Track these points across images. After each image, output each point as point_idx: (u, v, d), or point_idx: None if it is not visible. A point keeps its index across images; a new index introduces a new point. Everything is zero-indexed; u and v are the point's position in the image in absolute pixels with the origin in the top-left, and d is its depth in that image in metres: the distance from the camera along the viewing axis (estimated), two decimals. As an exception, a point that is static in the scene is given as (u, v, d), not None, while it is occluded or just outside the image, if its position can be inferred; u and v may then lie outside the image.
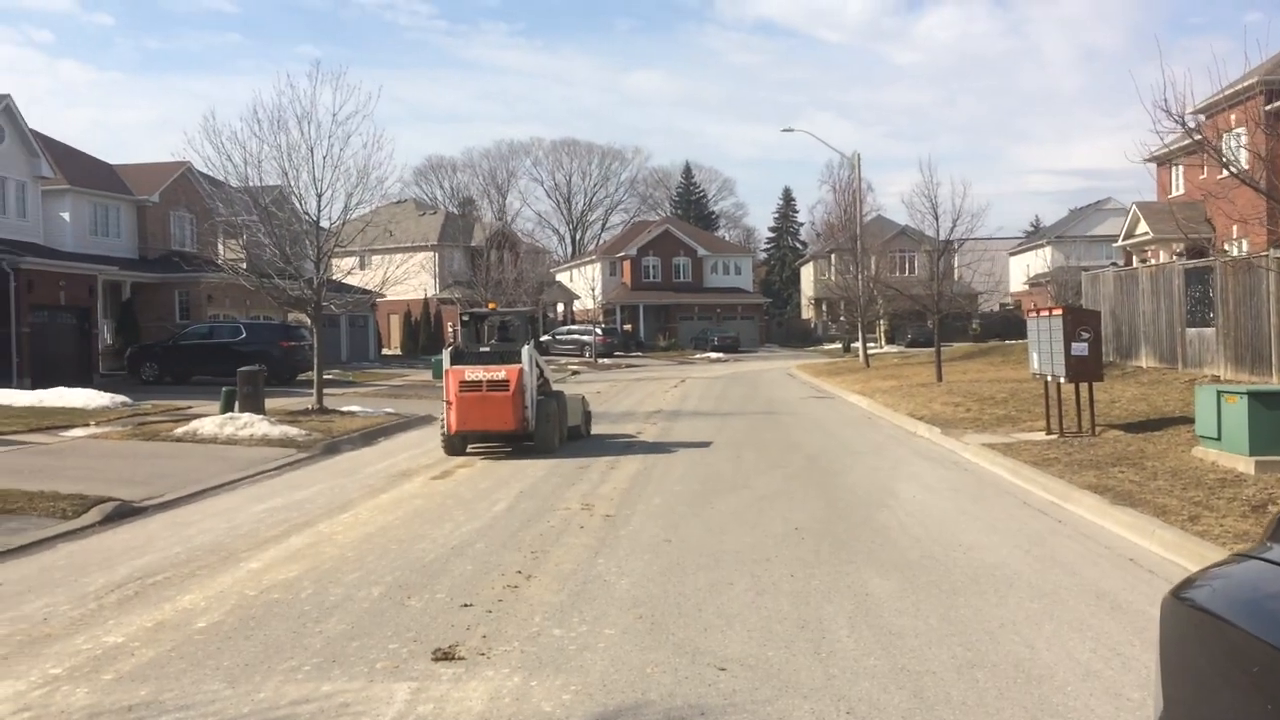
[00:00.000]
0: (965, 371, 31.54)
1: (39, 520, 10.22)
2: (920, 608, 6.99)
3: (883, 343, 61.35)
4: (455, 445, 15.98)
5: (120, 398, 23.27)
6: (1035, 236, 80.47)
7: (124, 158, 44.98)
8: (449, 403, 15.63)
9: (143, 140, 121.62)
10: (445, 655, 6.02)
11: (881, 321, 55.94)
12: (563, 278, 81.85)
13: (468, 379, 15.55)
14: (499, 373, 15.58)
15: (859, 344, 44.82)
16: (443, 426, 16.11)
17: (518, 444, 16.32)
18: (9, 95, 34.31)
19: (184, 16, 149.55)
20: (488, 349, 16.69)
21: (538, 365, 16.45)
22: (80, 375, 31.21)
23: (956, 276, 45.57)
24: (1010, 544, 8.98)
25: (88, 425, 18.88)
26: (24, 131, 34.77)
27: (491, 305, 21.47)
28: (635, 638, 6.38)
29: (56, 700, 5.39)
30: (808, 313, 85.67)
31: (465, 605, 7.12)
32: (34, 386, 25.95)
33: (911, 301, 34.76)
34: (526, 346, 16.19)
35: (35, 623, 6.85)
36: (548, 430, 16.15)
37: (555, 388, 18.17)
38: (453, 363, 15.90)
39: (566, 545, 9.09)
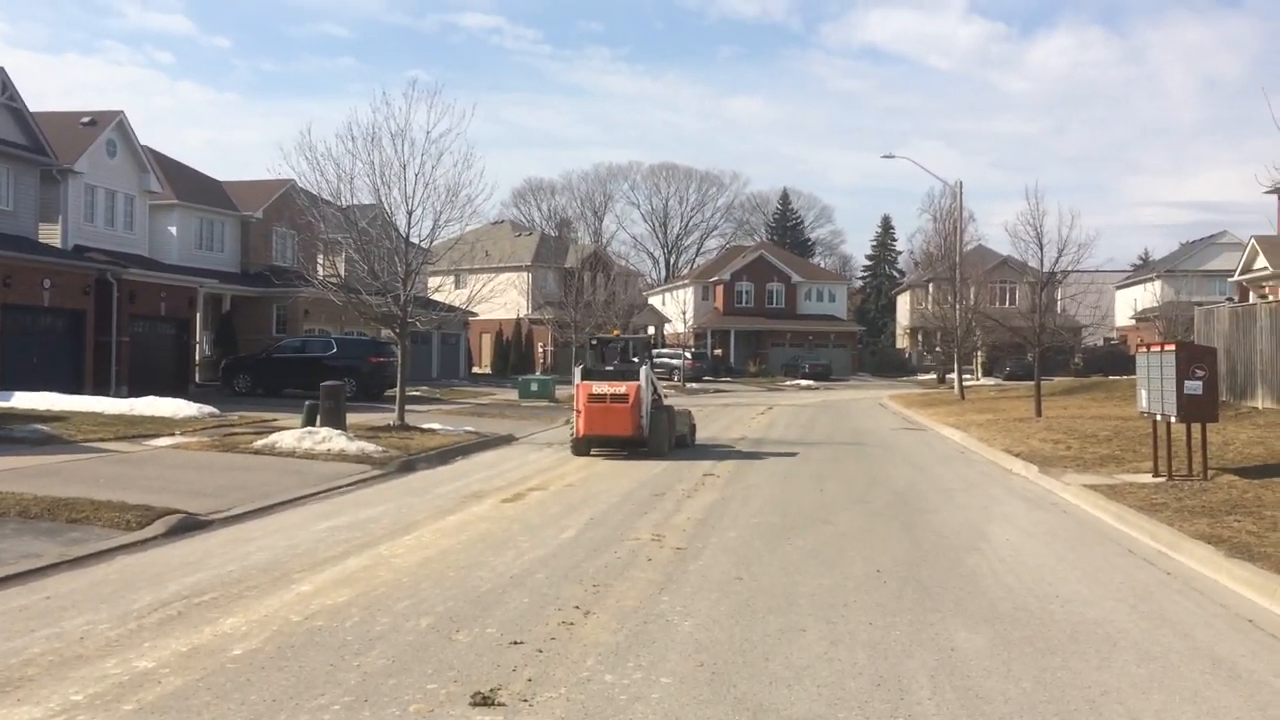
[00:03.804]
0: (1066, 407, 30.24)
1: (102, 531, 10.09)
2: (1011, 668, 6.33)
3: (979, 375, 59.72)
4: (581, 447, 18.55)
5: (208, 408, 23.51)
6: (1144, 270, 77.79)
7: (234, 176, 46.06)
8: (578, 411, 18.41)
9: (253, 159, 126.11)
10: (485, 700, 5.56)
11: (979, 353, 54.43)
12: (655, 301, 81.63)
13: (595, 392, 18.27)
14: (620, 388, 18.23)
15: (954, 375, 43.58)
16: (571, 431, 18.91)
17: (633, 448, 18.39)
18: (121, 112, 35.40)
19: (301, 41, 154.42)
20: (611, 368, 19.45)
21: (652, 383, 18.88)
22: (176, 385, 31.85)
23: (1059, 309, 43.98)
24: (1114, 597, 8.22)
25: (172, 435, 19.02)
26: (135, 148, 35.79)
27: (615, 332, 24.70)
28: (693, 689, 5.85)
29: (72, 729, 5.09)
30: (902, 342, 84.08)
31: (515, 642, 6.68)
32: (131, 395, 26.45)
33: (1011, 333, 33.63)
34: (644, 366, 18.92)
35: (71, 641, 6.59)
36: (659, 437, 18.52)
37: (665, 403, 20.02)
38: (583, 379, 18.70)
39: (631, 579, 8.59)
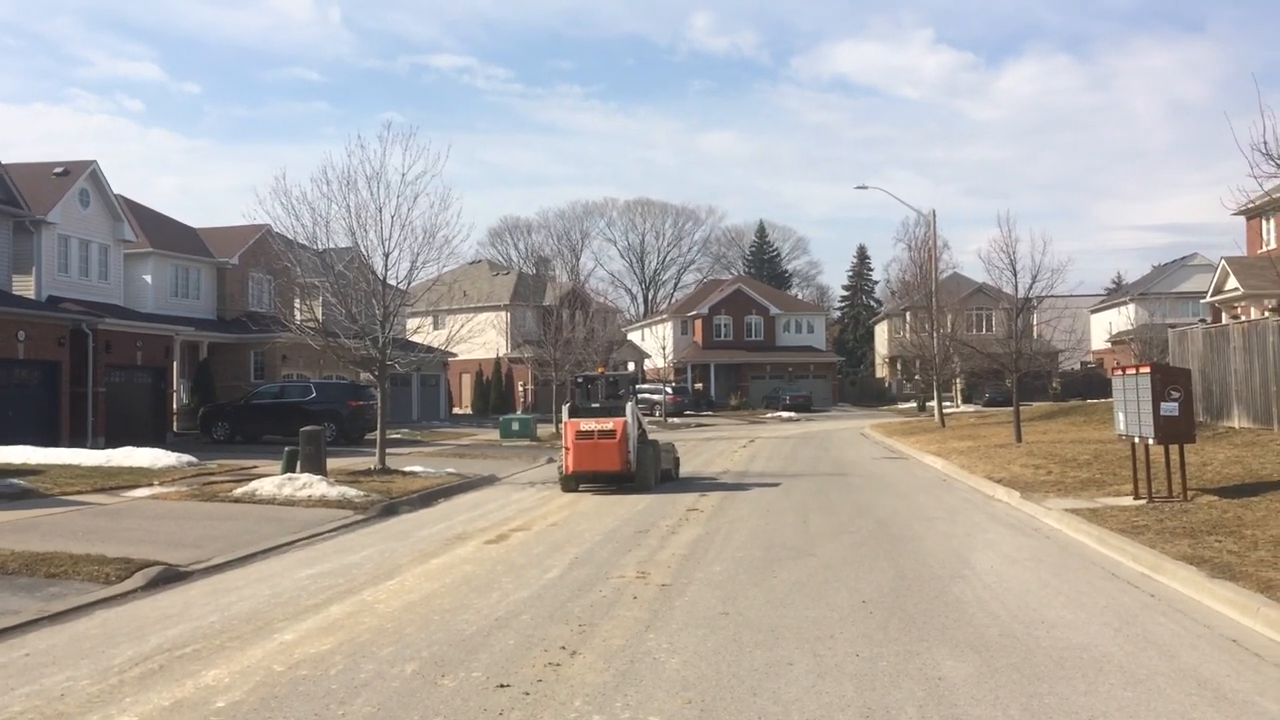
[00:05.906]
0: (1045, 432, 30.41)
1: (81, 585, 9.97)
2: (999, 695, 6.33)
3: (959, 402, 59.98)
4: (570, 484, 18.98)
5: (187, 457, 23.32)
6: (1118, 293, 78.50)
7: (209, 222, 45.98)
8: (567, 448, 18.76)
9: (227, 205, 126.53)
10: (472, 745, 5.53)
11: (958, 380, 54.72)
12: (634, 336, 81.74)
13: (582, 429, 18.61)
14: (607, 424, 18.57)
15: (934, 403, 43.75)
16: (560, 468, 19.32)
17: (621, 483, 18.74)
18: (95, 162, 35.32)
19: (272, 86, 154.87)
20: (598, 405, 19.76)
21: (637, 418, 19.20)
22: (154, 435, 31.62)
23: (1035, 334, 44.34)
24: (1098, 621, 8.25)
25: (151, 485, 18.86)
26: (108, 197, 35.71)
27: (601, 369, 25.30)
28: (681, 727, 5.83)
29: (52, 789, 5.00)
30: (882, 371, 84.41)
31: (502, 685, 6.63)
32: (108, 446, 26.23)
33: (989, 360, 33.79)
34: (629, 403, 19.27)
35: (52, 699, 6.50)
36: (646, 471, 18.93)
37: (650, 438, 20.44)
38: (570, 416, 19.01)
39: (617, 618, 8.56)
